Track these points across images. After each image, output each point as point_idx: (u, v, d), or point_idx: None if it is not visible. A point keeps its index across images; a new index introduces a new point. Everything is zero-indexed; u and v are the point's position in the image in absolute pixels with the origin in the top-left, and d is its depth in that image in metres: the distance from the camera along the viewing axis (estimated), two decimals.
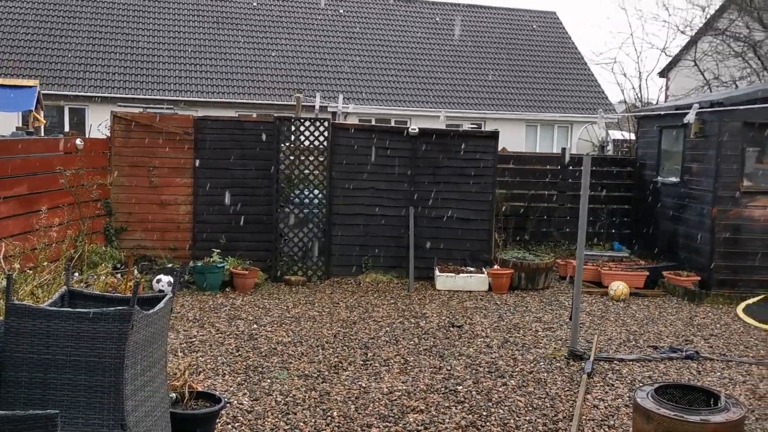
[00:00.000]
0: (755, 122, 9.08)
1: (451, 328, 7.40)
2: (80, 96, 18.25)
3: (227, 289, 8.85)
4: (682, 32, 18.02)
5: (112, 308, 3.18)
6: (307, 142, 9.63)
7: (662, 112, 11.12)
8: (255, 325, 7.24)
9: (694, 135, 9.55)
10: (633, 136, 14.62)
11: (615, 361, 6.41)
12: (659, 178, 10.91)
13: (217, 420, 4.57)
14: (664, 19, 18.32)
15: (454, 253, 9.92)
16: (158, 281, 8.10)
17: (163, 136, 9.39)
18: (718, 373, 6.21)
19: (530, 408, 5.22)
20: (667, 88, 24.18)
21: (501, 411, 5.14)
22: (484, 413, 5.08)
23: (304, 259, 9.66)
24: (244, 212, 9.54)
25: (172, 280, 8.06)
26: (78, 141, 8.66)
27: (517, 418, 5.01)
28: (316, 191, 9.72)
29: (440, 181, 9.90)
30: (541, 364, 6.28)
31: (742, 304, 8.65)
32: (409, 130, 9.94)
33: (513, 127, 21.01)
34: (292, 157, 9.61)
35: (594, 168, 10.65)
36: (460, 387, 5.60)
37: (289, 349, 6.47)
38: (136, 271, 8.50)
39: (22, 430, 2.30)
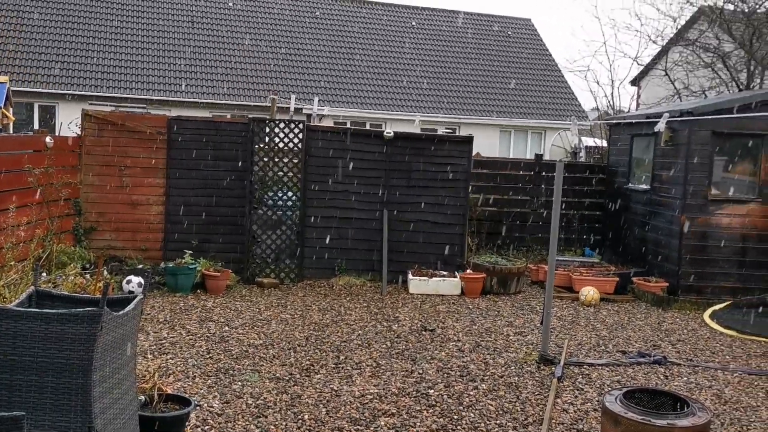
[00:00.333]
0: (723, 132, 9.26)
1: (424, 332, 7.42)
2: (50, 93, 17.98)
3: (199, 291, 8.77)
4: (654, 42, 18.43)
5: (81, 309, 3.14)
6: (281, 144, 9.60)
7: (633, 121, 11.29)
8: (226, 327, 7.19)
9: (665, 143, 9.71)
10: (605, 143, 14.82)
11: (585, 366, 6.48)
12: (630, 185, 11.07)
13: (187, 423, 4.53)
14: (636, 29, 18.77)
15: (428, 256, 9.95)
16: (128, 282, 8.00)
17: (136, 136, 9.28)
18: (685, 378, 6.31)
19: (501, 412, 5.26)
20: (638, 97, 24.56)
21: (472, 415, 5.17)
22: (455, 417, 5.11)
23: (277, 261, 9.62)
24: (217, 213, 9.47)
25: (142, 281, 7.97)
26: (48, 139, 8.52)
27: (488, 422, 5.04)
28: (289, 193, 9.69)
29: (414, 185, 9.93)
30: (512, 368, 6.33)
31: (709, 310, 8.81)
32: (384, 133, 9.96)
33: (487, 132, 21.16)
34: (266, 159, 9.57)
35: (566, 174, 10.76)
36: (432, 391, 5.62)
37: (261, 351, 6.43)
38: (105, 272, 8.39)
39: None
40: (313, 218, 9.72)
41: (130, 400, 3.60)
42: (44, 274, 7.39)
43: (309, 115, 17.62)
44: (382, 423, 4.91)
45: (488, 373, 6.14)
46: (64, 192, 8.51)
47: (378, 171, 9.87)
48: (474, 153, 10.75)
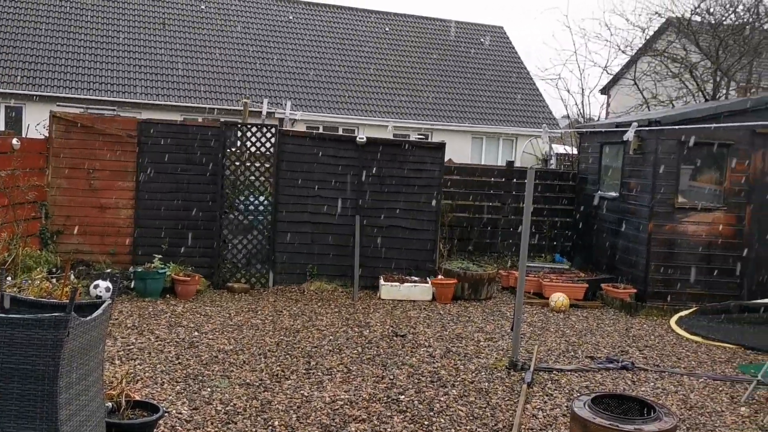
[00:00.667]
0: (690, 141, 9.44)
1: (395, 338, 7.42)
2: (17, 94, 17.65)
3: (168, 296, 8.67)
4: (623, 52, 18.63)
5: (48, 314, 3.09)
6: (253, 148, 9.55)
7: (603, 129, 11.45)
8: (196, 333, 7.12)
9: (633, 152, 9.86)
10: (576, 151, 15.00)
11: (554, 372, 6.54)
12: (600, 192, 11.22)
13: (155, 430, 4.47)
14: (606, 39, 19.12)
15: (400, 262, 9.97)
16: (96, 287, 7.88)
17: (105, 138, 9.16)
18: (652, 384, 6.40)
19: (471, 417, 5.28)
20: (608, 105, 24.91)
21: (442, 420, 5.18)
22: (426, 423, 5.11)
23: (248, 266, 9.55)
24: (188, 217, 9.38)
25: (110, 285, 7.86)
26: (14, 141, 8.36)
27: (459, 428, 5.06)
28: (261, 197, 9.64)
29: (387, 191, 9.95)
30: (483, 374, 6.36)
31: (675, 317, 8.95)
32: (357, 138, 9.97)
33: (459, 138, 21.28)
34: (237, 163, 9.51)
35: (537, 181, 10.89)
36: (403, 396, 5.62)
37: (231, 357, 6.38)
38: (72, 276, 8.26)
39: None
40: (284, 223, 9.68)
41: (98, 406, 3.54)
42: (9, 278, 7.25)
43: (281, 120, 17.56)
44: (353, 429, 4.91)
45: (459, 379, 6.16)
46: (30, 195, 8.36)
47: (350, 176, 9.86)
48: (446, 159, 10.82)
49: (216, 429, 4.75)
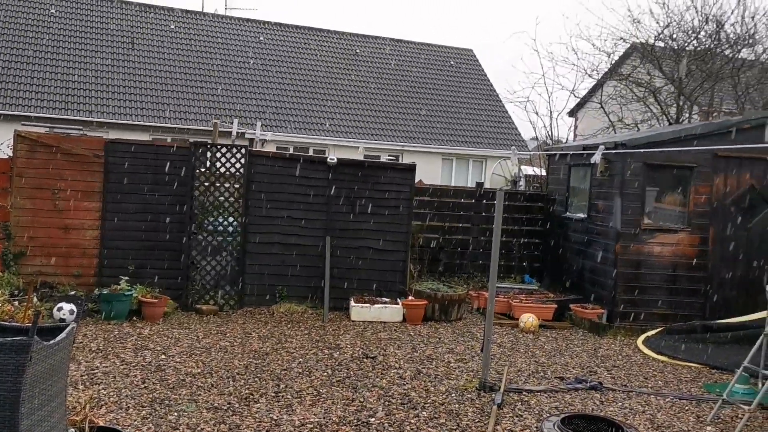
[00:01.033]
0: (655, 164, 9.62)
1: (365, 360, 7.38)
2: None
3: (135, 318, 8.53)
4: (590, 75, 19.01)
5: (9, 339, 3.01)
6: (223, 169, 9.49)
7: (571, 152, 11.62)
8: (163, 356, 7.00)
9: (600, 174, 10.02)
10: (544, 172, 15.19)
11: (524, 392, 6.55)
12: (568, 213, 11.36)
13: None
14: (573, 63, 19.43)
15: (370, 283, 9.95)
16: (60, 309, 7.73)
17: (71, 158, 9.03)
18: (620, 403, 6.45)
19: None
20: (576, 127, 25.34)
21: None
22: None
23: (217, 288, 9.45)
24: (156, 238, 9.26)
25: (74, 308, 7.71)
26: None
27: None
28: (231, 218, 9.57)
29: (357, 212, 9.95)
30: (453, 395, 6.35)
31: (642, 336, 9.06)
32: (328, 159, 9.97)
33: (430, 159, 21.42)
34: (207, 184, 9.44)
35: (507, 203, 10.98)
36: (373, 419, 5.58)
37: (199, 380, 6.28)
38: (35, 299, 8.07)
39: None
40: (254, 244, 9.61)
41: None
42: None
43: (252, 140, 17.51)
44: None
45: (429, 401, 6.14)
46: None
47: (321, 197, 9.85)
48: (417, 180, 10.87)
49: None
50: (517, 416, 5.88)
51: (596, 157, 9.80)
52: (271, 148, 18.59)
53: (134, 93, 19.64)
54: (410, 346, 8.10)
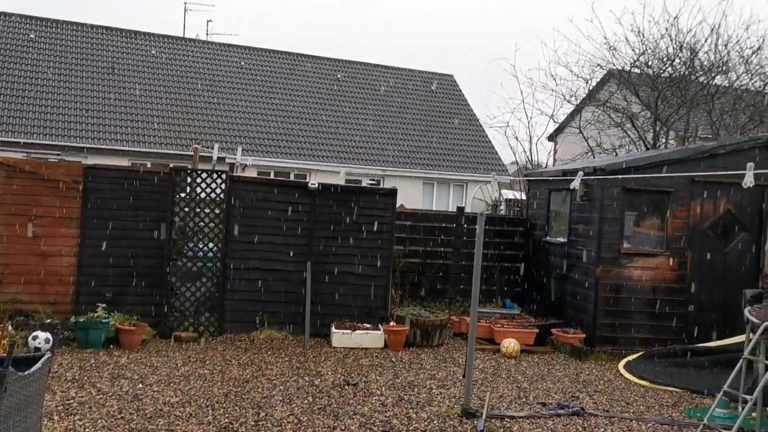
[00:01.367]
0: (633, 188, 9.72)
1: (347, 386, 7.31)
2: None
3: (112, 347, 8.39)
4: (568, 101, 19.24)
5: None
6: (203, 194, 9.44)
7: (551, 178, 11.71)
8: (140, 385, 6.88)
9: (580, 198, 10.10)
10: (524, 196, 15.29)
11: (506, 419, 6.52)
12: (548, 238, 11.41)
13: None
14: (552, 88, 19.63)
15: (352, 309, 9.89)
16: (35, 338, 7.57)
17: (49, 184, 8.92)
18: (602, 429, 6.43)
19: None
20: (555, 152, 25.60)
21: None
22: None
23: (197, 315, 9.34)
24: (134, 265, 9.15)
25: (50, 337, 7.57)
26: None
27: None
28: (210, 244, 9.49)
29: (339, 237, 9.92)
30: (435, 422, 6.30)
31: (623, 361, 9.07)
32: (309, 184, 9.95)
33: (411, 184, 21.50)
34: (187, 209, 9.37)
35: (488, 227, 11.02)
36: None
37: (177, 410, 6.17)
38: (10, 327, 7.92)
39: None
40: (234, 270, 9.53)
41: None
42: None
43: (232, 165, 17.45)
44: None
45: (411, 428, 6.08)
46: None
47: (302, 222, 9.82)
48: (398, 205, 10.87)
49: None
50: None
51: (575, 183, 9.88)
52: (251, 173, 18.54)
53: (114, 118, 19.56)
54: (392, 373, 8.04)
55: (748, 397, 6.13)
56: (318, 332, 9.55)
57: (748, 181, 7.51)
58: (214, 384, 7.08)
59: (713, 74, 17.11)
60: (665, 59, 17.38)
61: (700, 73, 17.23)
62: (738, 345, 7.83)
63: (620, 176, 9.66)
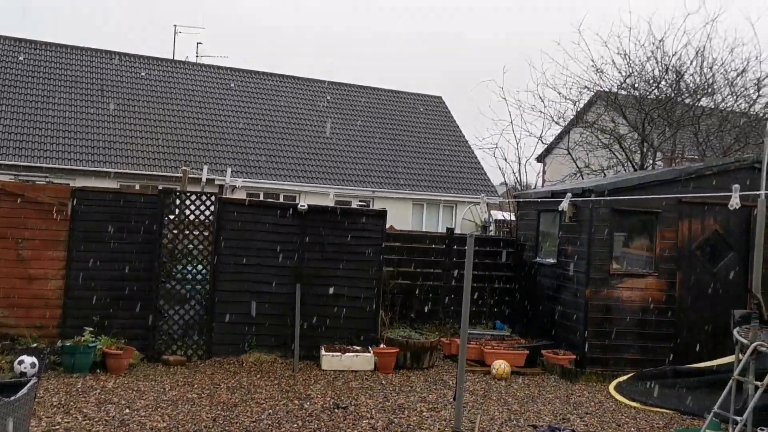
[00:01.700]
0: (622, 209, 9.77)
1: (336, 410, 7.25)
2: None
3: (98, 371, 8.28)
4: (556, 123, 19.36)
5: None
6: (192, 216, 9.40)
7: (540, 199, 11.75)
8: (127, 410, 6.79)
9: (569, 219, 10.13)
10: (513, 217, 15.33)
11: None
12: (538, 258, 11.43)
13: None
14: (540, 110, 19.77)
15: (341, 331, 9.83)
16: (21, 362, 7.48)
17: (36, 207, 8.87)
18: None
19: None
20: (544, 173, 25.73)
21: None
22: None
23: (185, 338, 9.25)
24: (122, 287, 9.07)
25: (36, 361, 7.48)
26: None
27: None
28: (199, 266, 9.44)
29: (328, 258, 9.89)
30: None
31: (614, 382, 9.05)
32: (298, 206, 9.94)
33: (400, 205, 21.53)
34: (176, 231, 9.33)
35: (477, 248, 11.02)
36: None
37: None
38: None
39: None
40: (223, 292, 9.47)
41: None
42: None
43: (222, 186, 17.44)
44: None
45: None
46: None
47: (291, 244, 9.78)
48: (387, 226, 10.87)
49: None
50: None
51: (564, 205, 9.91)
52: (241, 195, 18.52)
53: (102, 140, 19.52)
54: (382, 395, 7.98)
55: (738, 418, 6.13)
56: (307, 355, 9.48)
57: (734, 203, 7.56)
58: (203, 408, 7.00)
59: (699, 96, 17.30)
60: (651, 81, 17.57)
61: (686, 95, 17.42)
62: (728, 365, 7.83)
63: (609, 198, 9.70)
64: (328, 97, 25.34)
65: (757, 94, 17.20)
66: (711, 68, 17.00)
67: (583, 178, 18.26)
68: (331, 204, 15.32)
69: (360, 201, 21.24)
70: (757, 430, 6.18)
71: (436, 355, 9.89)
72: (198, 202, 9.42)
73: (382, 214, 10.38)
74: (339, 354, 9.25)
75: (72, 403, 6.91)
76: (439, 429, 6.76)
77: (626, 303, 9.74)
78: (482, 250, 11.84)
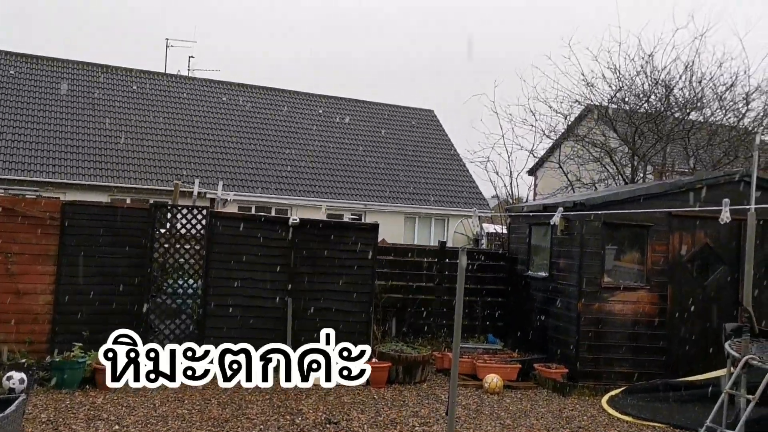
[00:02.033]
0: (613, 222, 9.80)
1: (328, 425, 7.20)
2: None
3: (88, 387, 8.21)
4: (547, 136, 19.44)
5: None
6: (183, 230, 9.37)
7: (531, 213, 11.78)
8: (117, 426, 6.72)
9: (560, 233, 10.16)
10: (506, 230, 15.34)
11: None
12: (530, 272, 11.43)
13: None
14: (531, 124, 19.90)
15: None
16: (9, 378, 7.39)
17: (26, 221, 8.81)
18: None
19: None
20: (535, 186, 25.81)
21: None
22: None
23: None
24: (112, 302, 9.01)
25: (25, 377, 7.40)
26: None
27: None
28: (191, 281, 9.39)
29: (320, 272, 9.86)
30: None
31: (606, 396, 9.04)
32: (290, 220, 9.91)
33: (393, 218, 21.54)
34: (167, 245, 9.29)
35: (469, 261, 11.02)
36: None
37: None
38: None
39: None
40: (214, 306, 9.42)
41: None
42: None
43: (213, 200, 17.41)
44: None
45: None
46: None
47: (283, 258, 9.75)
48: (380, 240, 10.86)
49: None
50: None
51: (555, 219, 9.94)
52: (232, 208, 18.49)
53: (93, 153, 19.48)
54: (374, 410, 7.94)
55: None
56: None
57: (725, 216, 7.61)
58: (193, 425, 6.94)
59: (688, 110, 17.42)
60: (641, 95, 17.69)
61: (676, 109, 17.54)
62: (720, 379, 7.84)
63: (600, 212, 9.73)
64: (321, 110, 25.40)
65: (745, 108, 17.35)
66: (700, 82, 17.15)
67: (574, 192, 18.33)
68: (323, 217, 15.30)
69: (352, 214, 21.24)
70: None
71: (428, 369, 9.85)
72: (189, 216, 9.39)
73: (374, 228, 10.37)
74: None
75: (61, 420, 6.83)
76: None
77: (618, 316, 9.75)
78: (474, 264, 11.83)
